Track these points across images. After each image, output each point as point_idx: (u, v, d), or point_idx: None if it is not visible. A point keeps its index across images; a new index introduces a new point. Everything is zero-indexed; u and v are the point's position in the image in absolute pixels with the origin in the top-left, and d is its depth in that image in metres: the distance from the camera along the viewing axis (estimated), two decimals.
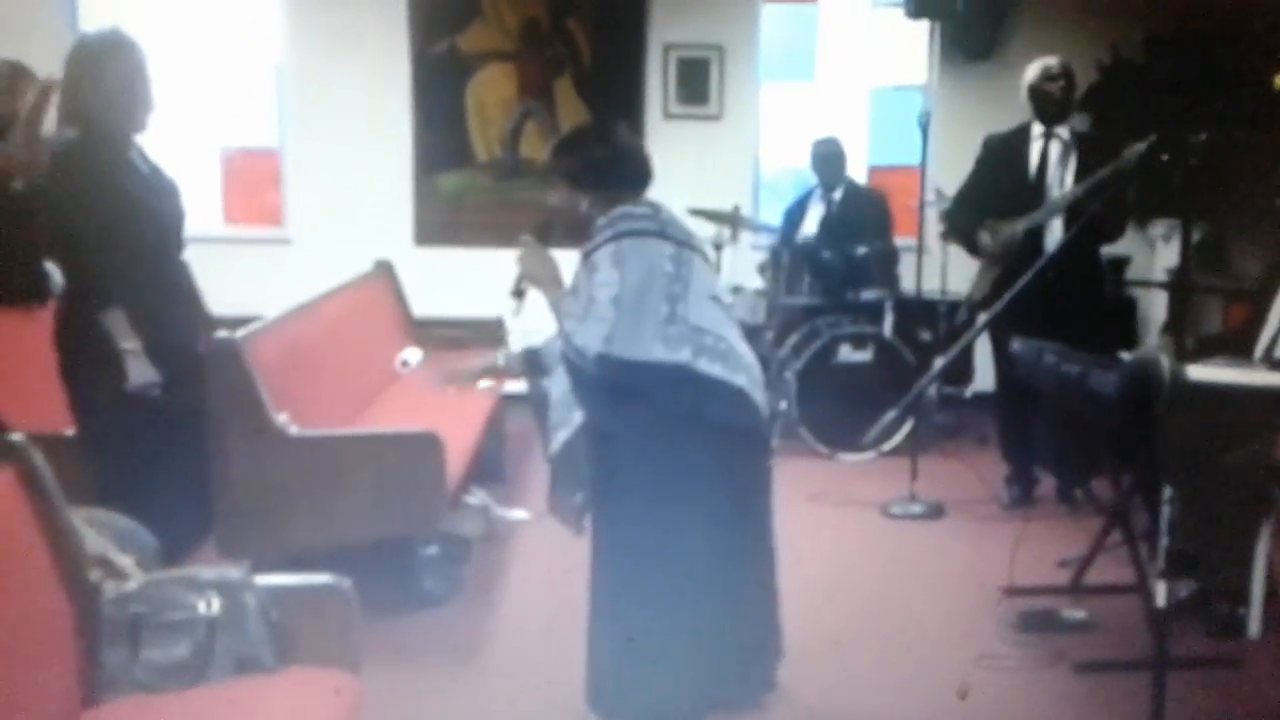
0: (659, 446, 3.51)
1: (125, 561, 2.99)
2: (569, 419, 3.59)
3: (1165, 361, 3.38)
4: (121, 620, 2.83)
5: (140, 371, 4.03)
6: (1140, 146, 5.03)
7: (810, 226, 7.26)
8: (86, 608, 2.81)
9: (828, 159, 7.23)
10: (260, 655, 2.87)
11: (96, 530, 3.02)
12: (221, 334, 4.22)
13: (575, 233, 3.71)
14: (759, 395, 3.62)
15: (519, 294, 3.73)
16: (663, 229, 3.61)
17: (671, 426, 3.50)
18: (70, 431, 4.27)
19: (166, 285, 4.26)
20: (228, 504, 4.24)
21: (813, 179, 7.35)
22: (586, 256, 3.57)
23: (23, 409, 4.28)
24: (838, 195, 7.23)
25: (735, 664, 3.72)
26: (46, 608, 2.71)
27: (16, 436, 2.78)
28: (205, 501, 4.21)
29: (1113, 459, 4.50)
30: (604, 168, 3.68)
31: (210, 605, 2.86)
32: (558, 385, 3.61)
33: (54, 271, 4.65)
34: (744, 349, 3.65)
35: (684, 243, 3.63)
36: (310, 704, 2.75)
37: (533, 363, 3.84)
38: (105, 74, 4.01)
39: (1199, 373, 3.43)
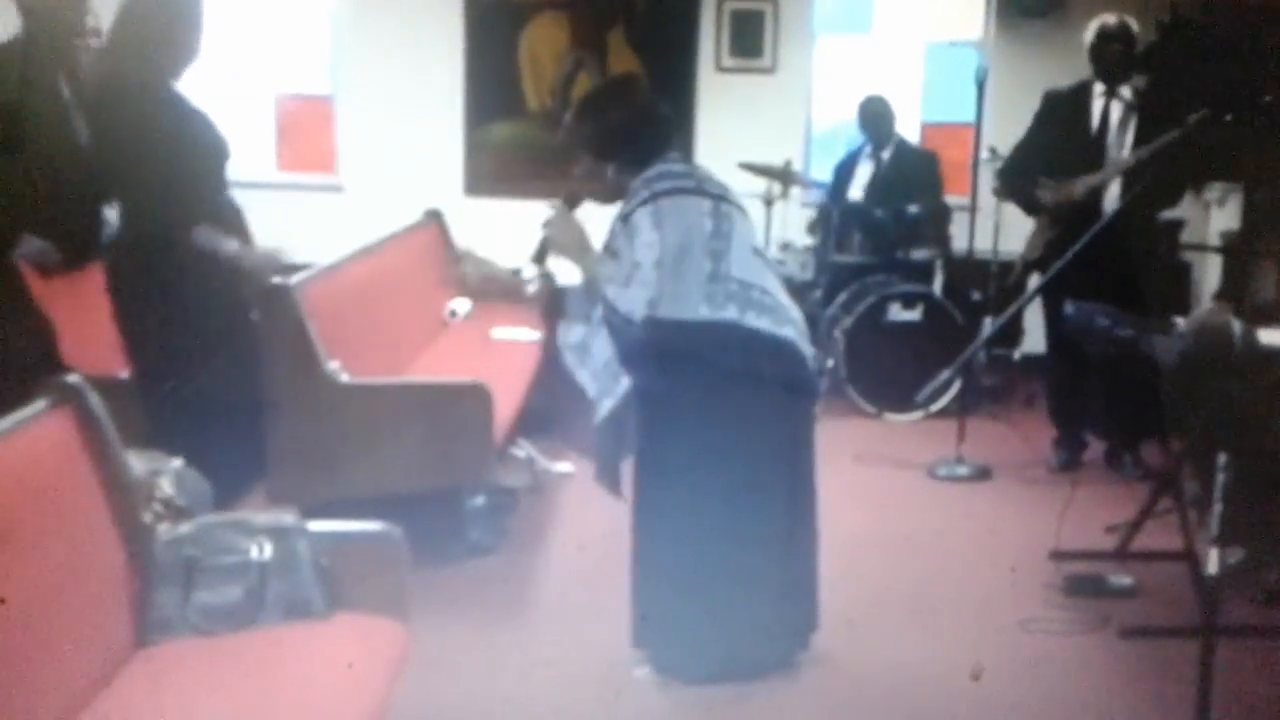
0: (710, 404, 3.52)
1: (169, 490, 3.03)
2: (613, 388, 3.56)
3: (1237, 324, 3.34)
4: (175, 563, 2.87)
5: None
6: (1203, 114, 4.95)
7: (859, 184, 7.20)
8: (140, 550, 2.86)
9: (876, 117, 7.16)
10: (311, 601, 2.90)
11: (151, 473, 3.05)
12: (275, 280, 4.25)
13: (606, 198, 3.70)
14: (805, 346, 3.62)
15: (540, 259, 3.72)
16: (699, 185, 3.60)
17: (721, 383, 3.50)
18: (126, 374, 4.32)
19: (217, 220, 4.30)
20: (278, 450, 4.28)
21: (861, 137, 7.30)
22: (625, 219, 3.55)
23: (79, 351, 4.33)
24: (887, 154, 7.17)
25: (780, 617, 3.73)
26: (101, 549, 2.75)
27: (73, 378, 2.81)
28: (257, 446, 4.25)
29: (1164, 424, 4.47)
30: (625, 131, 3.65)
31: (263, 550, 2.90)
32: (600, 353, 3.59)
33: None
34: (788, 300, 3.65)
35: (721, 197, 3.61)
36: (359, 649, 2.78)
37: (554, 300, 3.81)
38: (152, 17, 4.05)
39: (1269, 336, 3.39)
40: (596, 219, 3.73)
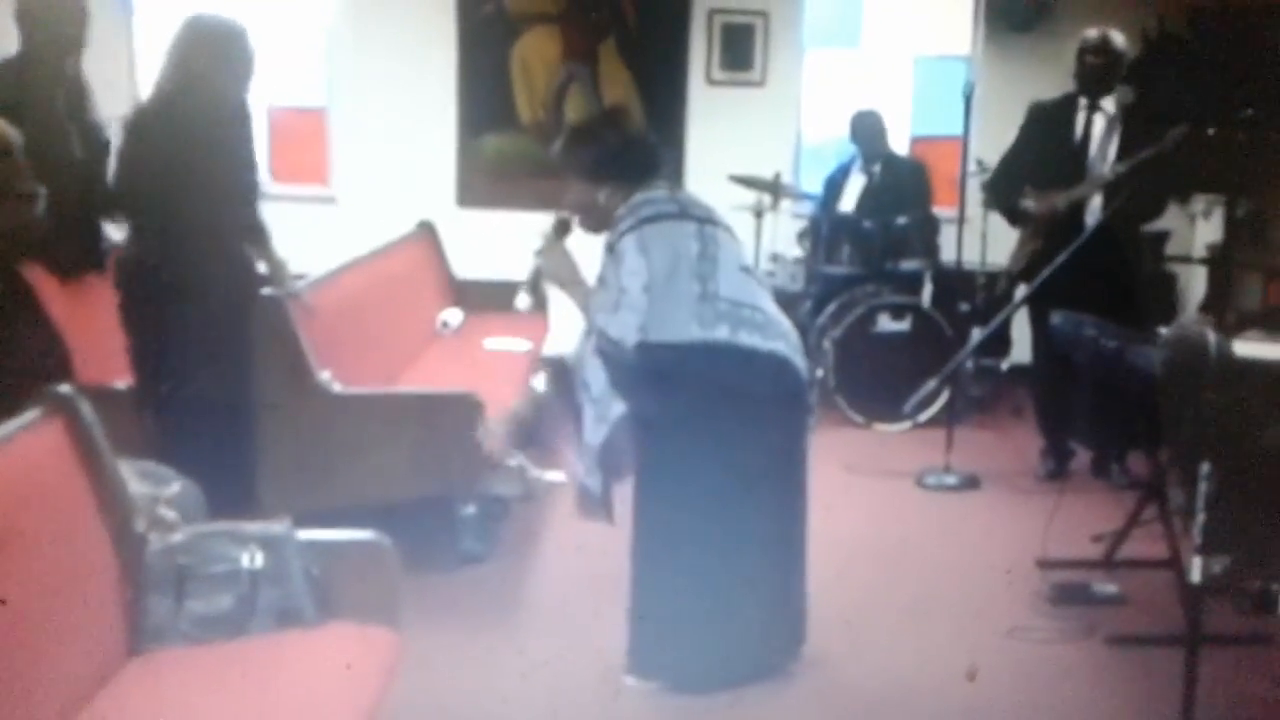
0: (705, 422, 3.54)
1: (169, 514, 3.05)
2: (605, 414, 3.59)
3: (1211, 335, 3.37)
4: (166, 571, 2.89)
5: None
6: (1181, 130, 4.99)
7: (850, 197, 7.23)
8: (132, 558, 2.87)
9: (868, 132, 7.18)
10: (302, 609, 2.93)
11: (143, 482, 3.07)
12: (267, 291, 4.28)
13: (594, 226, 3.73)
14: (798, 360, 3.65)
15: (533, 288, 3.76)
16: (683, 209, 3.64)
17: (716, 401, 3.53)
18: (122, 384, 4.35)
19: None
20: (270, 459, 4.30)
21: (852, 149, 7.33)
22: (610, 248, 3.59)
23: (78, 361, 4.35)
24: (878, 166, 7.20)
25: (773, 630, 3.77)
26: (93, 557, 2.77)
27: (65, 388, 2.83)
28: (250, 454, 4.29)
29: (1149, 434, 4.51)
30: (620, 156, 3.71)
31: (254, 559, 2.92)
32: (595, 381, 3.62)
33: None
34: (780, 316, 3.68)
35: (706, 219, 3.66)
36: (350, 658, 2.80)
37: (559, 377, 3.85)
38: (213, 54, 4.20)
39: (1244, 348, 3.42)
40: (587, 246, 3.77)
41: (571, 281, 3.68)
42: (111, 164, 4.40)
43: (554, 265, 3.70)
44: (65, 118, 4.65)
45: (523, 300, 3.82)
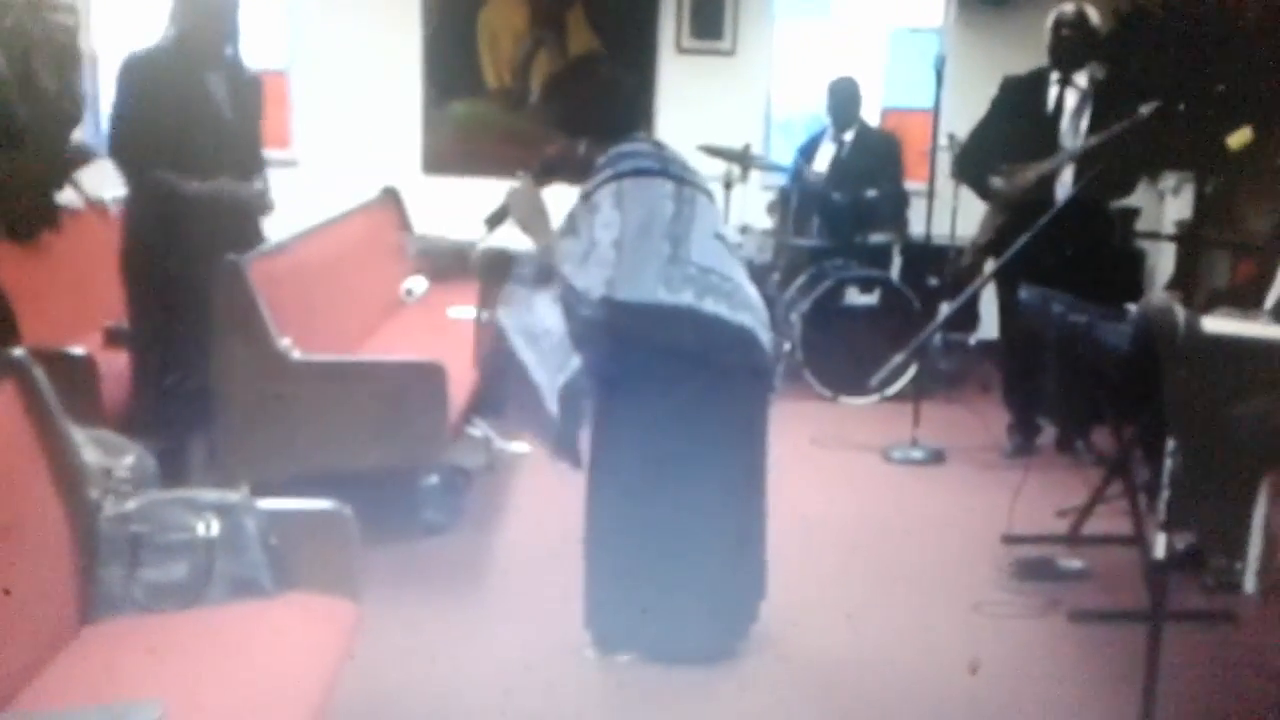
0: (664, 388, 3.50)
1: (124, 484, 3.00)
2: (566, 364, 3.55)
3: (1180, 311, 3.36)
4: (120, 539, 2.84)
5: None
6: (1154, 105, 4.98)
7: (820, 167, 7.19)
8: (85, 525, 2.82)
9: (844, 98, 7.13)
10: (259, 579, 2.88)
11: (97, 448, 3.01)
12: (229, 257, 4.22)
13: (576, 176, 3.67)
14: (764, 334, 3.61)
15: (494, 223, 3.69)
16: (664, 167, 3.58)
17: (675, 369, 3.49)
18: (78, 350, 4.29)
19: None
20: (228, 427, 4.24)
21: (825, 119, 7.28)
22: (586, 196, 3.53)
23: (30, 325, 4.29)
24: (849, 136, 7.16)
25: (728, 601, 3.74)
26: (45, 524, 2.71)
27: (18, 351, 2.77)
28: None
29: (1115, 410, 4.50)
30: (595, 108, 3.65)
31: (210, 527, 2.87)
32: (553, 329, 3.57)
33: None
34: (749, 287, 3.63)
35: (686, 180, 3.59)
36: (308, 628, 2.77)
37: (494, 264, 3.78)
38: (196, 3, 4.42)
39: (1213, 324, 3.41)
40: (562, 199, 3.71)
41: (536, 227, 3.60)
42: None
43: (522, 206, 3.62)
44: (7, 83, 4.56)
45: (483, 234, 3.74)
